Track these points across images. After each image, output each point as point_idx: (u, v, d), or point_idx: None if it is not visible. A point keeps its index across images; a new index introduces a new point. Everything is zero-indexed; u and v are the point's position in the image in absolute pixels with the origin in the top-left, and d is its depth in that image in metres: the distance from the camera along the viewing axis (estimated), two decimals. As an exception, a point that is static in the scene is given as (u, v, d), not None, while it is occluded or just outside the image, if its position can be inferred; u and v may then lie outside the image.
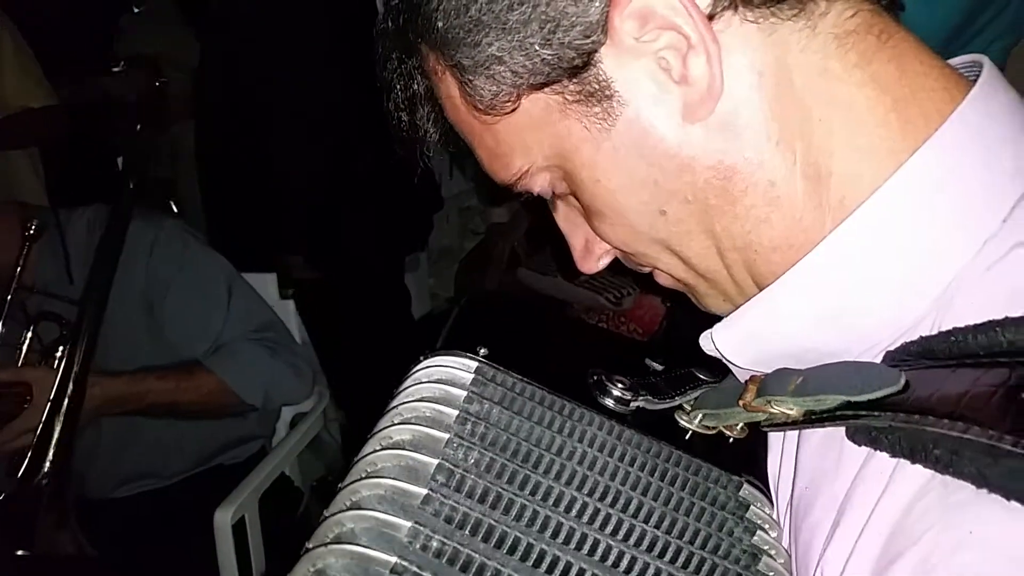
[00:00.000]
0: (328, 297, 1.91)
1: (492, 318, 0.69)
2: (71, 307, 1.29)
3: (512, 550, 0.39)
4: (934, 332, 0.38)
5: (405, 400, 0.47)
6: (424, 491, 0.40)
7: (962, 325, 0.36)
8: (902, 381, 0.36)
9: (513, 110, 0.45)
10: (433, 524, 0.39)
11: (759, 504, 0.47)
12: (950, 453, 0.31)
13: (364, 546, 0.37)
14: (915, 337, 0.39)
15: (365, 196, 1.90)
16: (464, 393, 0.47)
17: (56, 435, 1.12)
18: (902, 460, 0.35)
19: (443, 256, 2.55)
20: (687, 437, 0.51)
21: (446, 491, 0.41)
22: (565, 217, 0.53)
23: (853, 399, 0.37)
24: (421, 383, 0.49)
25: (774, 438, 0.51)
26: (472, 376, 0.49)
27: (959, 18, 0.83)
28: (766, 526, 0.46)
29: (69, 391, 1.14)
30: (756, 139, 0.42)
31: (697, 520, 0.44)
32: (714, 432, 0.51)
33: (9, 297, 1.36)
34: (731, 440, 0.51)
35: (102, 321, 1.22)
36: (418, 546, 0.38)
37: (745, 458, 0.50)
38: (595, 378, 0.52)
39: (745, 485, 0.48)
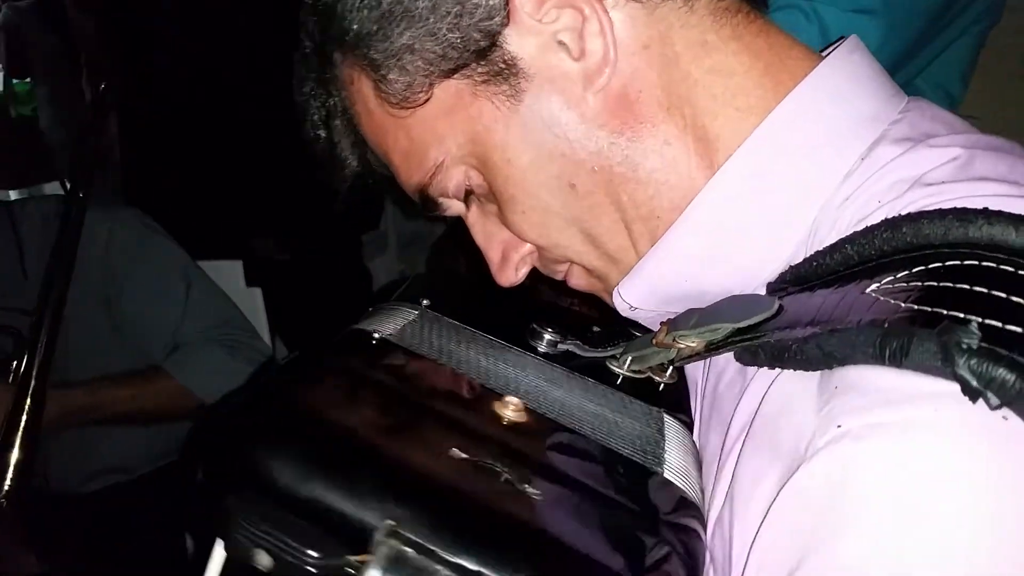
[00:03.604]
0: (291, 282, 1.89)
1: (445, 288, 0.71)
2: (25, 316, 1.25)
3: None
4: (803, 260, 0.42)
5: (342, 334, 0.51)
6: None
7: (822, 249, 0.41)
8: (775, 306, 0.40)
9: (426, 100, 0.47)
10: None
11: (676, 430, 0.50)
12: (801, 343, 0.36)
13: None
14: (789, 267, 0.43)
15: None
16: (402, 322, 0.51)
17: (15, 454, 1.09)
18: (780, 369, 0.40)
19: (414, 240, 2.53)
20: (618, 382, 0.54)
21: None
22: (480, 228, 0.55)
23: (738, 326, 0.42)
24: (361, 323, 0.52)
25: (691, 383, 0.55)
26: (413, 317, 0.52)
27: (939, 4, 0.84)
28: (676, 428, 0.50)
29: (27, 408, 1.11)
30: (649, 106, 0.46)
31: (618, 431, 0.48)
32: (644, 377, 0.55)
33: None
34: (661, 388, 0.54)
35: (58, 334, 1.18)
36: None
37: (673, 407, 0.53)
38: (530, 328, 0.56)
39: (665, 415, 0.51)
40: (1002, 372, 0.28)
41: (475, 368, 0.48)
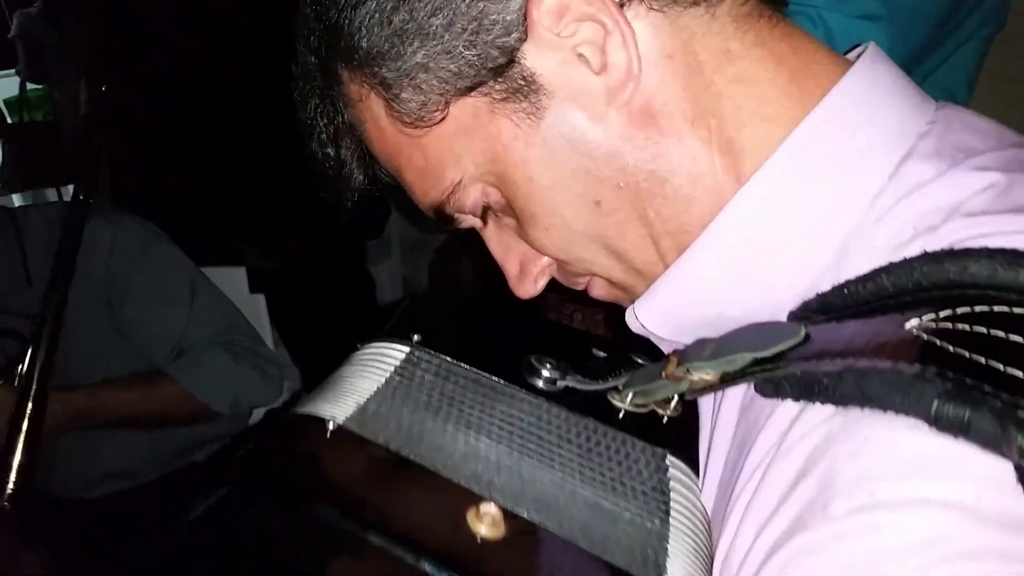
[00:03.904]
0: (294, 288, 1.89)
1: (440, 310, 0.69)
2: (29, 320, 1.25)
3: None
4: (831, 287, 0.40)
5: (334, 377, 0.48)
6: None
7: (853, 277, 0.39)
8: (802, 333, 0.38)
9: (442, 119, 0.46)
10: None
11: (680, 470, 0.48)
12: (836, 379, 0.34)
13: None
14: (815, 295, 0.41)
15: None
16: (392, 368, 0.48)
17: (17, 457, 1.09)
18: (805, 403, 0.37)
19: (417, 246, 2.53)
20: (620, 417, 0.51)
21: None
22: (497, 241, 0.54)
23: (760, 355, 0.39)
24: (352, 365, 0.49)
25: (704, 416, 0.53)
26: (404, 358, 0.49)
27: (944, 9, 0.83)
28: (682, 487, 0.46)
29: (29, 411, 1.11)
30: (674, 119, 0.44)
31: (618, 466, 0.45)
32: (647, 411, 0.52)
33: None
34: (665, 421, 0.51)
35: (59, 337, 1.19)
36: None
37: (677, 443, 0.50)
38: (527, 362, 0.53)
39: (668, 455, 0.48)
40: None
41: (448, 457, 0.42)
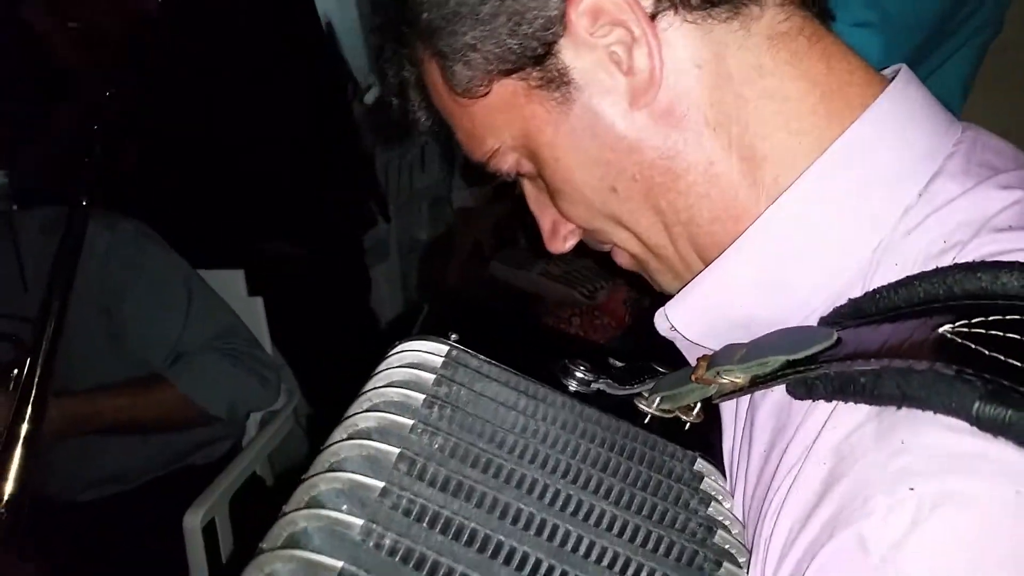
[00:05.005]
0: (293, 290, 1.89)
1: (460, 317, 0.70)
2: (25, 324, 1.25)
3: (469, 541, 0.39)
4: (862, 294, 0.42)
5: (375, 385, 0.48)
6: (382, 484, 0.40)
7: (885, 284, 0.41)
8: (834, 336, 0.40)
9: (486, 94, 0.50)
10: (388, 519, 0.39)
11: (713, 476, 0.50)
12: (874, 378, 0.35)
13: (313, 550, 0.37)
14: (846, 300, 0.43)
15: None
16: (433, 376, 0.49)
17: (15, 464, 1.08)
18: (839, 403, 0.39)
19: (415, 248, 2.53)
20: (646, 421, 0.53)
21: (407, 480, 0.41)
22: (535, 199, 0.59)
23: (792, 358, 0.41)
24: (392, 367, 0.50)
25: (727, 421, 0.55)
26: (443, 359, 0.51)
27: (937, 17, 0.83)
28: (720, 497, 0.49)
29: (27, 418, 1.11)
30: (695, 124, 0.47)
31: (655, 494, 0.46)
32: (671, 416, 0.55)
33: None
34: (687, 427, 0.54)
35: (59, 343, 1.18)
36: (371, 544, 0.38)
37: (700, 445, 0.53)
38: (561, 363, 0.56)
39: (699, 459, 0.51)
40: None
41: (481, 521, 0.41)
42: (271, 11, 1.83)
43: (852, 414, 0.38)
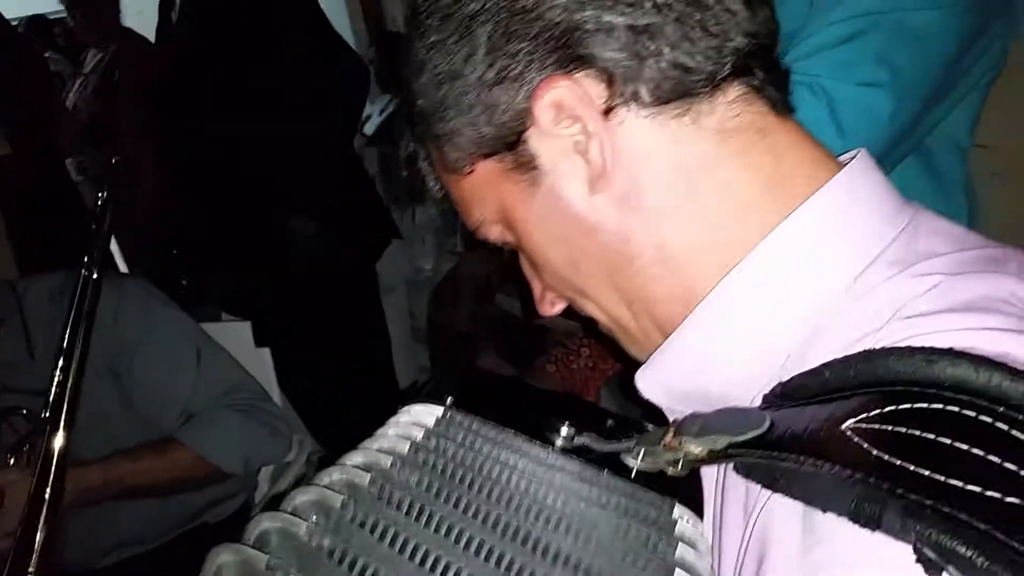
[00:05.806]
0: (300, 339, 1.88)
1: (461, 391, 0.71)
2: (36, 398, 1.24)
3: (412, 555, 0.41)
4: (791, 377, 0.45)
5: (371, 438, 0.52)
6: (342, 497, 0.43)
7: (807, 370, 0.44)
8: (766, 423, 0.42)
9: (471, 172, 0.56)
10: (336, 525, 0.42)
11: (688, 521, 0.51)
12: (788, 479, 0.39)
13: (270, 550, 0.40)
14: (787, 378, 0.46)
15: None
16: (423, 431, 0.52)
17: (38, 539, 1.07)
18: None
19: (420, 280, 2.53)
20: (632, 476, 0.54)
21: (369, 499, 0.44)
22: (526, 266, 0.63)
23: (734, 440, 0.43)
24: (389, 427, 0.54)
25: (707, 485, 0.57)
26: (436, 418, 0.54)
27: (946, 62, 0.83)
28: (692, 542, 0.49)
29: (48, 494, 1.10)
30: (649, 209, 0.51)
31: (623, 537, 0.47)
32: (656, 471, 0.55)
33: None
34: (672, 479, 0.54)
35: (75, 419, 1.17)
36: (313, 544, 0.41)
37: (688, 503, 0.53)
38: (547, 420, 0.58)
39: (677, 505, 0.51)
40: (960, 547, 0.30)
41: None
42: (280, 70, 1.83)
43: (777, 503, 0.41)
